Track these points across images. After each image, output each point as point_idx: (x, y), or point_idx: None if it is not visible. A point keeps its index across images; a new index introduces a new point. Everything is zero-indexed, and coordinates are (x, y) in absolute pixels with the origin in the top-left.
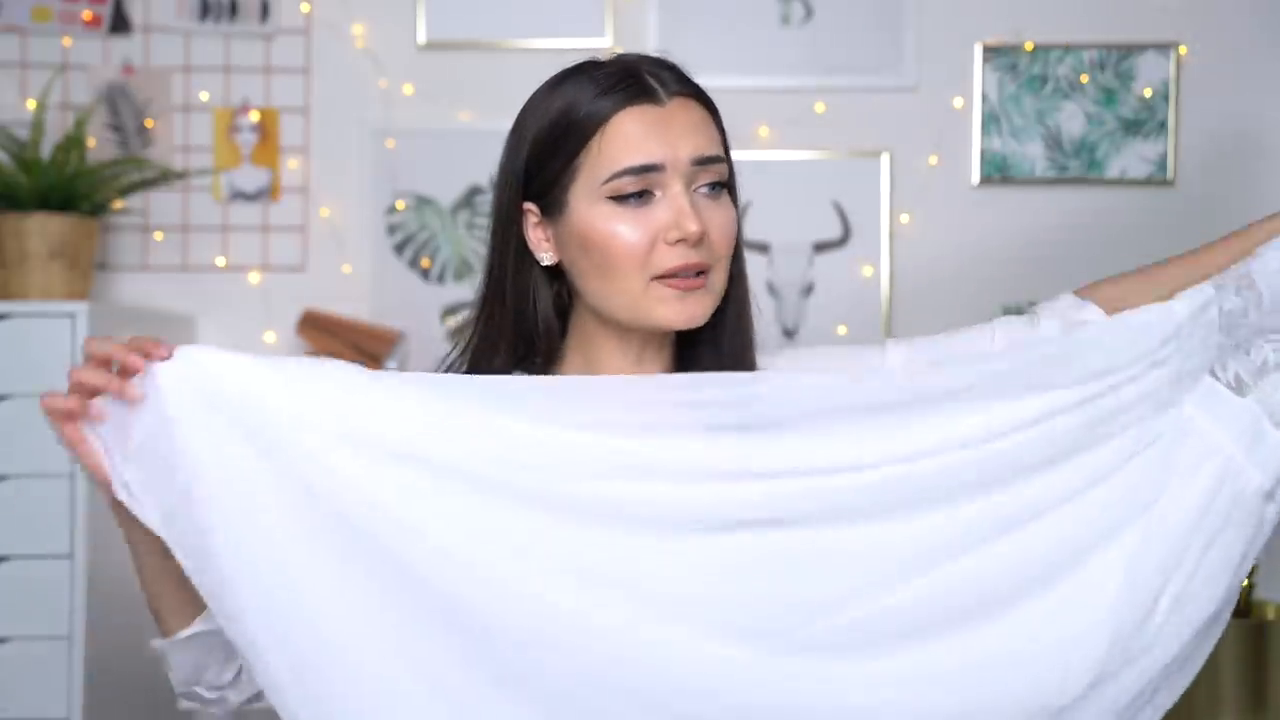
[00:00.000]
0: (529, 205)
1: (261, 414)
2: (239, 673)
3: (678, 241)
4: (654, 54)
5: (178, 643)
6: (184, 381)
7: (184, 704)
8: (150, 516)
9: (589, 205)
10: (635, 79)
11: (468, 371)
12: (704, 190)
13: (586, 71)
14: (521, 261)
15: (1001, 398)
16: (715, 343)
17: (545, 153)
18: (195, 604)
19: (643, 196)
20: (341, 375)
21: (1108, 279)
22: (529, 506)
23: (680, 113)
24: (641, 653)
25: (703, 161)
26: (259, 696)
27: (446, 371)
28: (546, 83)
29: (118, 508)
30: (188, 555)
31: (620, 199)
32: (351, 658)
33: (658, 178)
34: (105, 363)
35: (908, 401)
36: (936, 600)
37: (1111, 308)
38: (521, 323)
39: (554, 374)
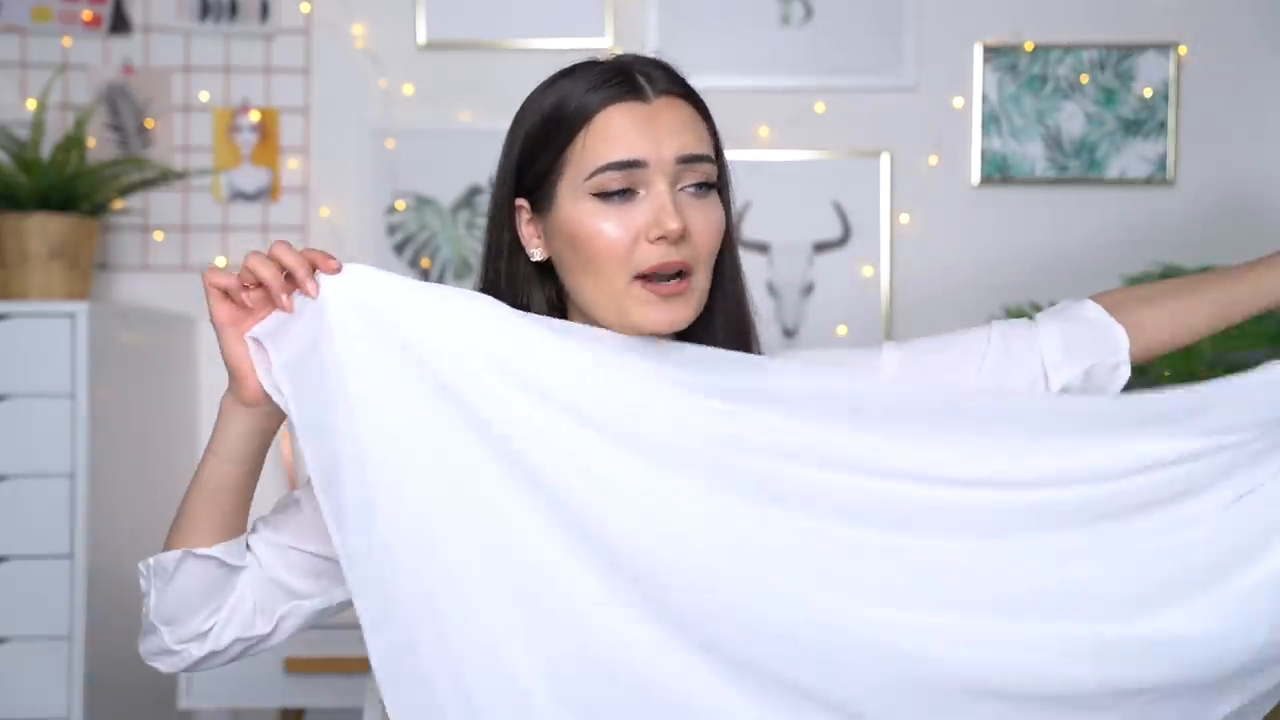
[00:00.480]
0: (520, 200)
1: (424, 336)
2: (213, 627)
3: (658, 239)
4: (651, 54)
5: (192, 557)
6: (347, 293)
7: (145, 651)
8: (301, 420)
9: (574, 201)
10: (624, 76)
11: None
12: (690, 190)
13: (581, 69)
14: (516, 258)
15: (1141, 437)
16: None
17: (536, 147)
18: (228, 530)
19: (626, 194)
20: (495, 312)
21: (1116, 290)
22: (712, 477)
23: (667, 111)
24: (817, 616)
25: (688, 160)
26: (212, 657)
27: None
28: (545, 80)
29: (229, 405)
30: (320, 471)
31: (603, 195)
32: (476, 585)
33: (641, 175)
34: (281, 267)
35: (1046, 424)
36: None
37: (1118, 318)
38: None
39: None
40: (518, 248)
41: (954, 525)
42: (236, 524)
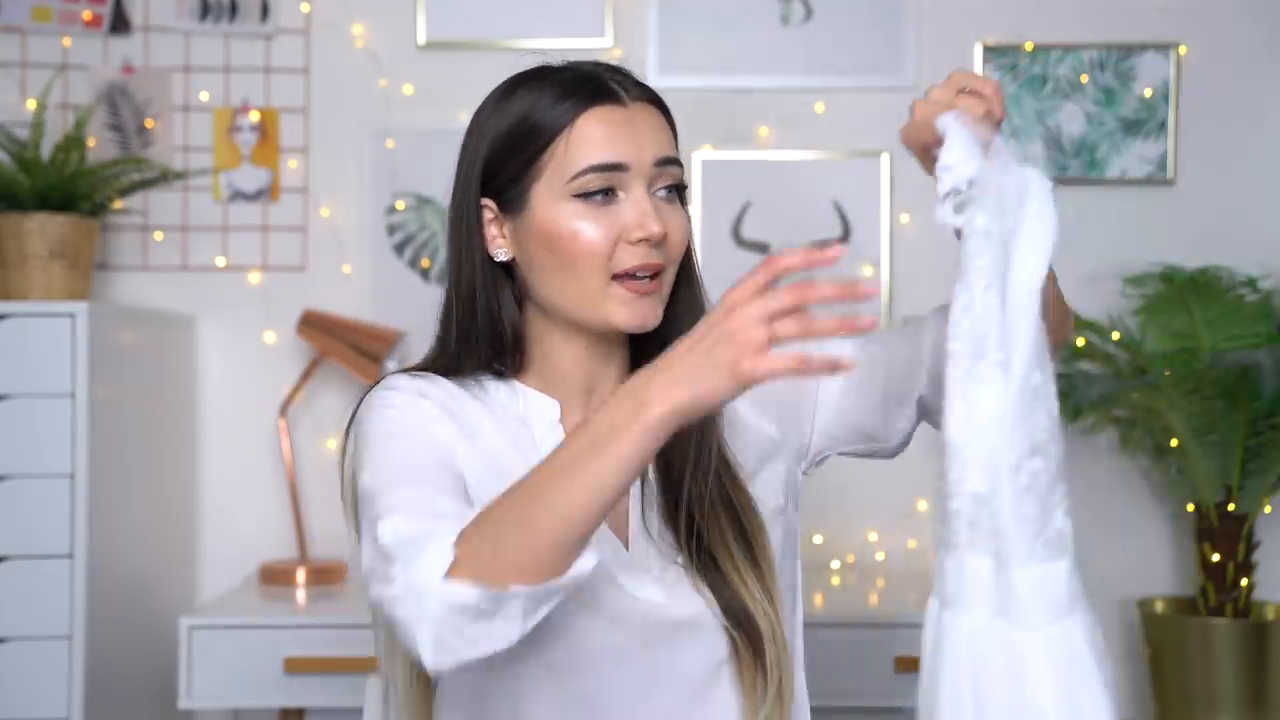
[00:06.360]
0: (486, 201)
1: None
2: None
3: (639, 241)
4: (613, 63)
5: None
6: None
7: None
8: None
9: (553, 202)
10: (599, 81)
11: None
12: (661, 193)
13: (545, 76)
14: (485, 259)
15: None
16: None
17: (507, 151)
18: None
19: (607, 195)
20: None
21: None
22: None
23: (642, 115)
24: None
25: (664, 163)
26: None
27: (420, 371)
28: (501, 86)
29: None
30: None
31: (585, 196)
32: None
33: (622, 177)
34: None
35: None
36: None
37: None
38: (488, 321)
39: (521, 379)
40: (482, 248)
41: None
42: None
